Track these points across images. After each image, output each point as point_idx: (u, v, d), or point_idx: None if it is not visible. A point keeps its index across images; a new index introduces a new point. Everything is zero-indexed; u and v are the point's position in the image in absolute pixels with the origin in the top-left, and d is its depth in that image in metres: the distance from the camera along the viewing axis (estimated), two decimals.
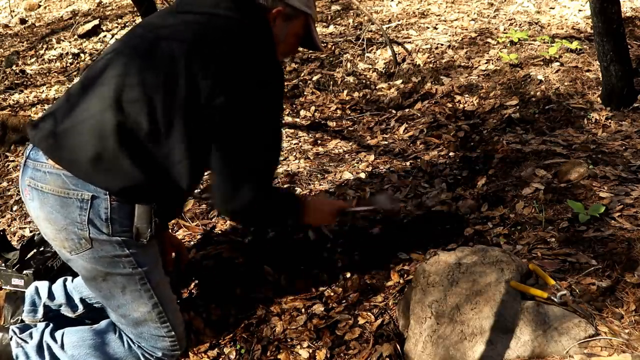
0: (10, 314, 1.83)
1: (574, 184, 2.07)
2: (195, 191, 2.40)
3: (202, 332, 1.84)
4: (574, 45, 3.34)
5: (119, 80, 1.37)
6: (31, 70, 4.75)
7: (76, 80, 4.22)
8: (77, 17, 5.65)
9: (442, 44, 3.75)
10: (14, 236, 2.59)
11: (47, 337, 1.66)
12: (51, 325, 1.70)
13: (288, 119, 3.36)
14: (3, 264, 1.91)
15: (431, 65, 3.56)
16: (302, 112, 3.43)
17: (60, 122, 1.41)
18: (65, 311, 1.81)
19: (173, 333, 1.59)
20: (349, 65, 3.80)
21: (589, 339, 1.37)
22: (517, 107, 2.92)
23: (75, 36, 5.19)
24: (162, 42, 1.38)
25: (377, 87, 3.56)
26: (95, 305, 1.80)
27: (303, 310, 1.86)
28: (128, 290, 1.52)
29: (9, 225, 2.70)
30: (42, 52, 5.07)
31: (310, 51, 3.74)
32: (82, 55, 4.85)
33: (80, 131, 1.38)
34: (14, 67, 4.81)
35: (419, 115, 3.09)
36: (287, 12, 1.51)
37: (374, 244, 2.08)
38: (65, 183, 1.41)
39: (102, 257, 1.47)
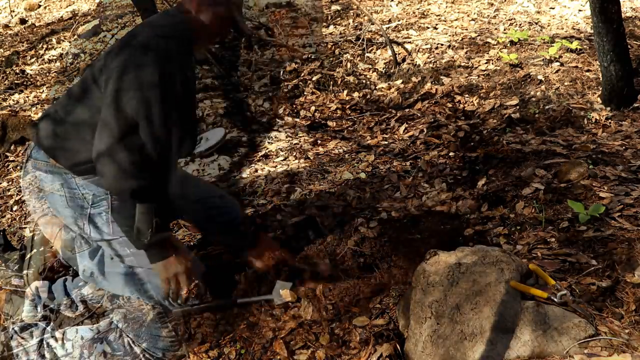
0: (10, 313, 1.83)
1: (574, 184, 2.07)
2: None
3: (202, 332, 1.84)
4: (574, 45, 3.34)
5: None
6: (31, 70, 4.75)
7: (76, 80, 4.22)
8: (77, 17, 5.65)
9: (442, 44, 3.74)
10: (14, 236, 2.59)
11: (47, 337, 1.66)
12: (51, 324, 1.71)
13: (288, 119, 3.36)
14: (3, 264, 1.91)
15: (431, 65, 3.56)
16: (302, 112, 3.42)
17: (61, 122, 1.42)
18: (65, 311, 1.81)
19: (173, 333, 1.60)
20: (349, 65, 3.80)
21: (589, 339, 1.37)
22: (517, 107, 2.92)
23: (75, 36, 5.19)
24: (154, 38, 1.40)
25: (377, 87, 3.56)
26: (95, 305, 1.80)
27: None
28: (128, 290, 1.52)
29: (9, 225, 2.70)
30: (42, 52, 5.07)
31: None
32: (82, 55, 4.85)
33: (80, 131, 1.39)
34: (14, 67, 4.81)
35: (419, 115, 3.09)
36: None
37: (373, 244, 2.07)
38: (66, 182, 1.41)
39: (102, 257, 1.47)
